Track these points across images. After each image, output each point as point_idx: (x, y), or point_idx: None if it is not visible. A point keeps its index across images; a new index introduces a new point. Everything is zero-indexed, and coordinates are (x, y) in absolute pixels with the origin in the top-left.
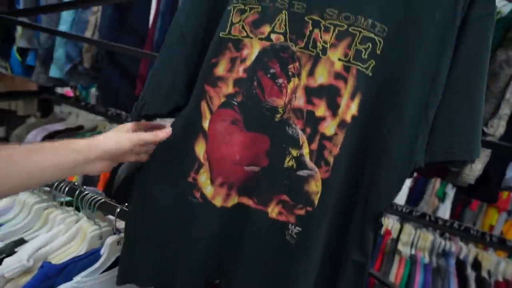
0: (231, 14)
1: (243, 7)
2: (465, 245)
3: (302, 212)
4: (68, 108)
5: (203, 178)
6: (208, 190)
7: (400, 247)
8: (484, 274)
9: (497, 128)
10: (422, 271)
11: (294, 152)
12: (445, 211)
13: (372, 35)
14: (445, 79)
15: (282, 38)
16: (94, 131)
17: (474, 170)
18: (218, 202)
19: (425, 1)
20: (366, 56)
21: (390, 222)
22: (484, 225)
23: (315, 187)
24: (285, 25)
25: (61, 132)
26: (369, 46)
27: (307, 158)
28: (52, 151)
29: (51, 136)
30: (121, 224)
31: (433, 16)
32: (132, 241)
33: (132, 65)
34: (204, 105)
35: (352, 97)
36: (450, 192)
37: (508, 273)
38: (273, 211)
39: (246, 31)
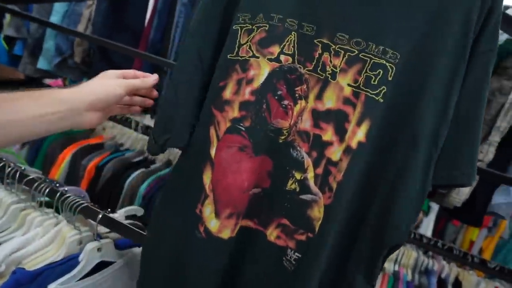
0: (238, 35)
1: (250, 27)
2: (448, 263)
3: (303, 237)
4: None
5: (208, 211)
6: (213, 224)
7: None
8: None
9: (487, 154)
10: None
11: (298, 175)
12: (428, 224)
13: (384, 62)
14: (453, 110)
15: (290, 59)
16: None
17: (462, 193)
18: (226, 235)
19: (439, 30)
20: (376, 83)
21: None
22: (465, 240)
23: (317, 213)
24: (293, 47)
25: None
26: (379, 72)
27: (311, 182)
28: (33, 100)
29: None
30: (102, 229)
31: (446, 45)
32: (146, 268)
33: (125, 63)
34: (212, 131)
35: (358, 124)
36: (435, 206)
37: None
38: (271, 234)
39: (252, 51)
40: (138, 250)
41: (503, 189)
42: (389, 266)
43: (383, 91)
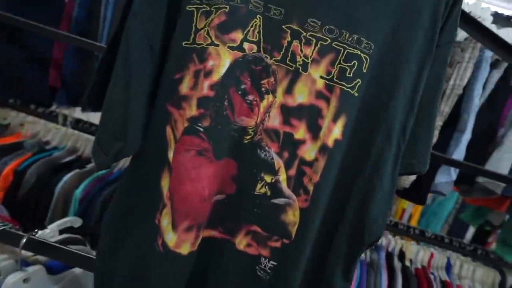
0: (194, 18)
1: (208, 8)
2: (393, 237)
3: (277, 244)
4: None
5: (165, 222)
6: (170, 237)
7: None
8: (407, 263)
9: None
10: (358, 266)
11: (268, 178)
12: None
13: (358, 52)
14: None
15: (255, 48)
16: None
17: (411, 176)
18: (185, 250)
19: (409, 21)
20: (351, 75)
21: None
22: (398, 208)
23: (292, 217)
24: (258, 33)
25: None
26: (354, 64)
27: (283, 185)
28: None
29: None
30: (26, 253)
31: (417, 37)
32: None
33: (43, 47)
34: (169, 131)
35: (334, 120)
36: None
37: (425, 260)
38: (241, 242)
39: (210, 38)
40: (78, 270)
41: (445, 169)
42: None
43: (358, 84)
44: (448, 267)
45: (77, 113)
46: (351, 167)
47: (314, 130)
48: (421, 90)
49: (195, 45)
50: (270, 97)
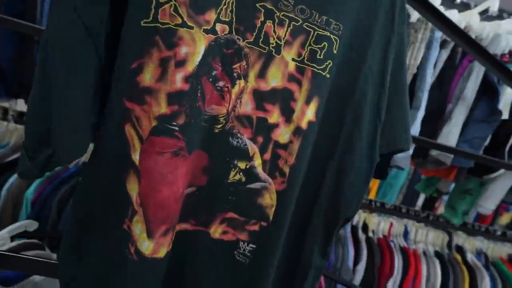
0: None
1: None
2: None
3: (255, 227)
4: None
5: (138, 230)
6: (145, 246)
7: None
8: (370, 234)
9: None
10: None
11: (242, 165)
12: None
13: (328, 34)
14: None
15: (227, 29)
16: None
17: None
18: (162, 253)
19: (372, 2)
20: (322, 57)
21: None
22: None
23: (269, 200)
24: (231, 11)
25: None
26: (324, 45)
27: (259, 170)
28: None
29: None
30: None
31: (378, 18)
32: None
33: None
34: (130, 131)
35: (307, 102)
36: None
37: (386, 230)
38: (215, 231)
39: (181, 16)
40: (39, 278)
41: None
42: None
43: (329, 65)
44: (406, 234)
45: (19, 105)
46: (324, 148)
47: (288, 113)
48: (389, 69)
49: (158, 24)
50: (242, 82)
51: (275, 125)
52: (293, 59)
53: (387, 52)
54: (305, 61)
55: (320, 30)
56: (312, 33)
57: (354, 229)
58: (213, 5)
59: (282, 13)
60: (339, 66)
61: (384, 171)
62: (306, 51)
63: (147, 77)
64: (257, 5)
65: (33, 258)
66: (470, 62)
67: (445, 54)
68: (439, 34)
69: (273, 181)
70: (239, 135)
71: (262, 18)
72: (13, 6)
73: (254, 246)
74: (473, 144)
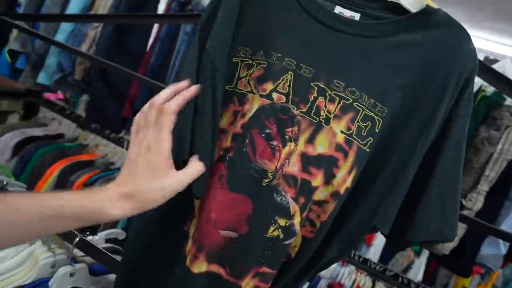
0: (238, 68)
1: (250, 62)
2: None
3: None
4: (53, 113)
5: (191, 232)
6: (187, 248)
7: None
8: None
9: (475, 203)
10: None
11: (282, 222)
12: (419, 267)
13: (373, 115)
14: (415, 165)
15: (284, 98)
16: (74, 142)
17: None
18: (196, 268)
19: (418, 91)
20: (365, 134)
21: (362, 279)
22: (457, 286)
23: (293, 243)
24: (288, 86)
25: (39, 139)
26: (368, 124)
27: (297, 227)
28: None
29: (27, 141)
30: (78, 252)
31: (422, 107)
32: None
33: (123, 85)
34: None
35: (349, 172)
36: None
37: None
38: (247, 284)
39: (251, 86)
40: (113, 277)
41: (493, 240)
42: None
43: (370, 141)
44: None
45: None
46: (347, 211)
47: (328, 177)
48: (417, 159)
49: (236, 90)
50: (292, 144)
51: (316, 188)
52: (341, 131)
53: (424, 143)
54: (353, 135)
55: (367, 111)
56: (360, 111)
57: None
58: (271, 79)
59: (333, 92)
60: (378, 144)
61: (467, 267)
62: (355, 127)
63: (224, 122)
64: (311, 83)
65: (116, 258)
66: None
67: None
68: None
69: (302, 229)
70: (283, 192)
71: (315, 94)
72: (154, 71)
73: None
74: None
